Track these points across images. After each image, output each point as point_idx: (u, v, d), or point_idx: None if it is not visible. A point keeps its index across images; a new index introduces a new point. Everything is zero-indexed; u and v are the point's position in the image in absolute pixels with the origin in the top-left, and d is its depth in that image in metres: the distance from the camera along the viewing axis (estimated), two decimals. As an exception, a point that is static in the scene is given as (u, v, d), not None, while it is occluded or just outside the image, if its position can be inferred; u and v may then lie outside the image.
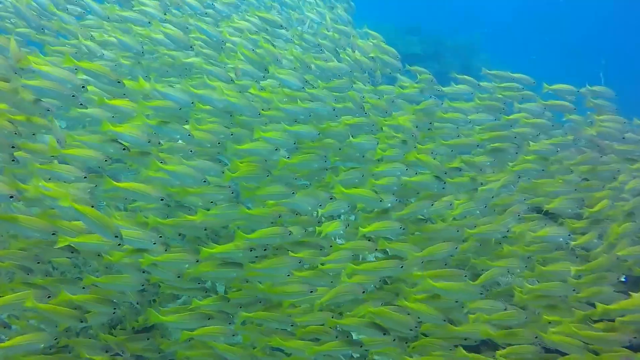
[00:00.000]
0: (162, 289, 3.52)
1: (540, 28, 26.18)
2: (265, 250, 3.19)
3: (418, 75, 4.88)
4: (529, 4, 27.00)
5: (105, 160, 3.17)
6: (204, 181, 3.22)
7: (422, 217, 3.85)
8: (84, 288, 3.01)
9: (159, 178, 3.26)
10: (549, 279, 3.40)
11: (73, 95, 3.05)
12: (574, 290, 3.28)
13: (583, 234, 3.73)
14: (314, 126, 3.84)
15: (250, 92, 4.03)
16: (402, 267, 3.23)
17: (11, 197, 2.56)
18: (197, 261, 3.09)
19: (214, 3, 5.18)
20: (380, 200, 3.48)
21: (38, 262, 2.92)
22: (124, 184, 3.05)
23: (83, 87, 3.18)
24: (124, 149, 3.19)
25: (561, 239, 3.54)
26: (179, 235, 3.54)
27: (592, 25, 25.84)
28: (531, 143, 4.24)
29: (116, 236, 2.59)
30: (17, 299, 2.69)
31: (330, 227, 3.42)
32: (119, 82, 3.38)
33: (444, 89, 4.87)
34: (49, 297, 2.80)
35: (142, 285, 3.04)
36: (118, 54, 4.47)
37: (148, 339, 3.36)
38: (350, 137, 3.97)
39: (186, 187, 3.33)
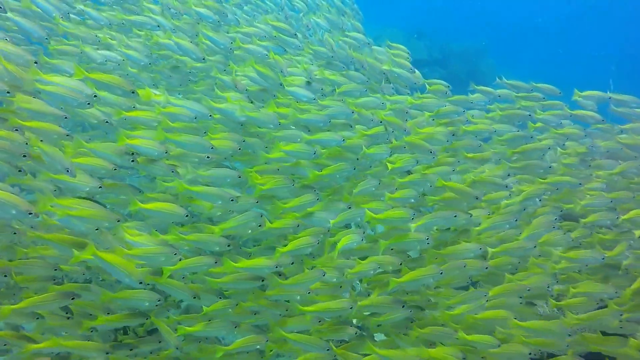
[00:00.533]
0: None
1: (547, 34, 26.38)
2: (292, 263, 3.18)
3: (427, 86, 4.81)
4: (535, 10, 27.23)
5: (114, 169, 3.16)
6: (232, 200, 3.25)
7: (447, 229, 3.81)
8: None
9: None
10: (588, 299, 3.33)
11: (88, 104, 3.04)
12: (621, 315, 3.23)
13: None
14: (335, 133, 3.84)
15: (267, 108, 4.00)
16: (441, 273, 3.23)
17: (30, 213, 2.57)
18: (216, 262, 3.11)
19: (225, 12, 5.12)
20: (412, 219, 3.44)
21: (55, 269, 2.95)
22: (150, 205, 3.08)
23: (95, 96, 3.18)
24: (132, 161, 3.18)
25: (593, 262, 3.47)
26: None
27: (601, 31, 26.04)
28: (560, 152, 4.22)
29: (140, 282, 2.81)
30: (40, 302, 2.78)
31: (345, 239, 3.37)
32: (133, 92, 3.37)
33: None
34: (73, 298, 2.86)
35: (159, 301, 3.00)
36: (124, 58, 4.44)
37: (160, 342, 3.27)
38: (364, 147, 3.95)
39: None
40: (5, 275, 2.94)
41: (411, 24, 16.68)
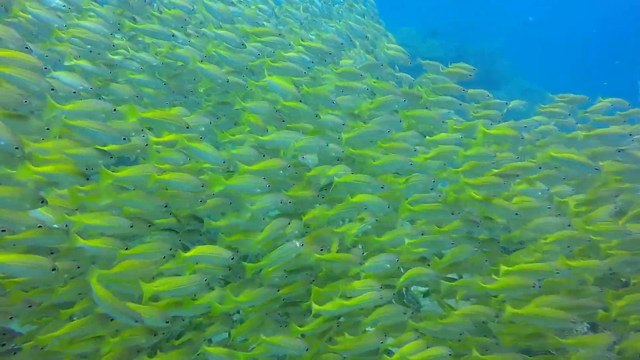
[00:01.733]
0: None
1: (565, 35, 26.42)
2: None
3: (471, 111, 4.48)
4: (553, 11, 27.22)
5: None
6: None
7: None
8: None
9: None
10: None
11: (124, 139, 2.94)
12: None
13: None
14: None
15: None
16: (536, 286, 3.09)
17: (53, 269, 2.53)
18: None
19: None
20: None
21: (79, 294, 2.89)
22: (194, 252, 2.94)
23: (115, 109, 3.07)
24: (165, 206, 3.06)
25: None
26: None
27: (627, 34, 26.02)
28: None
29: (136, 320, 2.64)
30: (80, 327, 2.73)
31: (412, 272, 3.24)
32: (187, 127, 3.36)
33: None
34: (112, 320, 2.80)
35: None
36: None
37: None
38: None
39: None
40: (30, 306, 2.91)
41: (427, 22, 16.68)
